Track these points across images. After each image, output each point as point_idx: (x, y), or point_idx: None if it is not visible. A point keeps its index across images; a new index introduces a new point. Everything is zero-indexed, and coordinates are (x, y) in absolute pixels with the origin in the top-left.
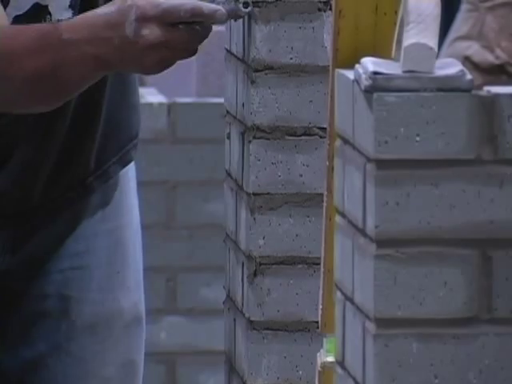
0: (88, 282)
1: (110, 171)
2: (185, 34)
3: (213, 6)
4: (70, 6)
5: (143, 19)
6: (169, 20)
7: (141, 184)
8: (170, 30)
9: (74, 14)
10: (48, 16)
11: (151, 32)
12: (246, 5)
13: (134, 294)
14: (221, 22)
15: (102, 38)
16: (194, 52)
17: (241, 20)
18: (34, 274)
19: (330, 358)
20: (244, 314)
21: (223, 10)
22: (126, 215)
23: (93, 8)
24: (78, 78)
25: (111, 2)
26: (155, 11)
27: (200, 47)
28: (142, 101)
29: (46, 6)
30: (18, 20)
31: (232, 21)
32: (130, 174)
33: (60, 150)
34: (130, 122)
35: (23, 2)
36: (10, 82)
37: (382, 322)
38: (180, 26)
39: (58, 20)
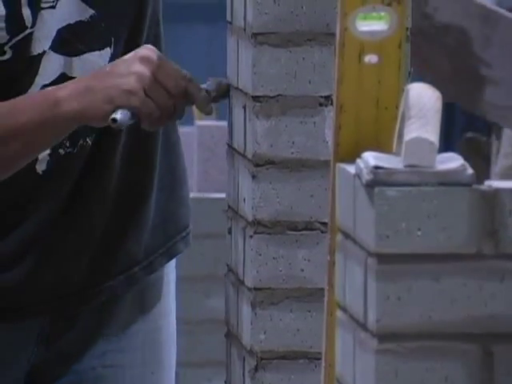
0: (121, 381)
1: (156, 263)
2: (175, 75)
3: (203, 94)
4: None
5: (141, 60)
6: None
7: None
8: (164, 62)
9: None
10: None
11: (140, 67)
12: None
13: None
14: (202, 103)
15: (103, 75)
16: (171, 113)
17: (241, 115)
18: (65, 370)
19: None
20: None
21: (206, 95)
22: (165, 318)
23: None
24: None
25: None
26: (159, 56)
27: (200, 135)
28: None
29: (73, 78)
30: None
31: (233, 115)
32: (171, 277)
33: (102, 236)
34: (178, 214)
35: (51, 71)
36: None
37: None
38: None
39: None
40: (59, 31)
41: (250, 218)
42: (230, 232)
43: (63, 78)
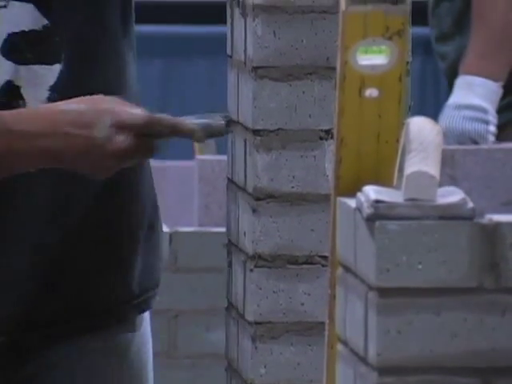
0: None
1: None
2: (151, 146)
3: (190, 124)
4: (50, 89)
5: (120, 126)
6: (146, 132)
7: None
8: (141, 141)
9: (50, 100)
10: (21, 101)
11: (125, 140)
12: (225, 129)
13: None
14: (196, 141)
15: (66, 134)
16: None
17: (242, 149)
18: None
19: None
20: None
21: (200, 133)
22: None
23: (80, 91)
24: (20, 170)
25: (78, 99)
26: (134, 121)
27: (201, 169)
28: None
29: (19, 87)
30: None
31: (233, 149)
32: (147, 347)
33: (81, 269)
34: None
35: None
36: None
37: None
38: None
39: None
40: (11, 36)
41: (251, 252)
42: (230, 266)
43: (9, 85)
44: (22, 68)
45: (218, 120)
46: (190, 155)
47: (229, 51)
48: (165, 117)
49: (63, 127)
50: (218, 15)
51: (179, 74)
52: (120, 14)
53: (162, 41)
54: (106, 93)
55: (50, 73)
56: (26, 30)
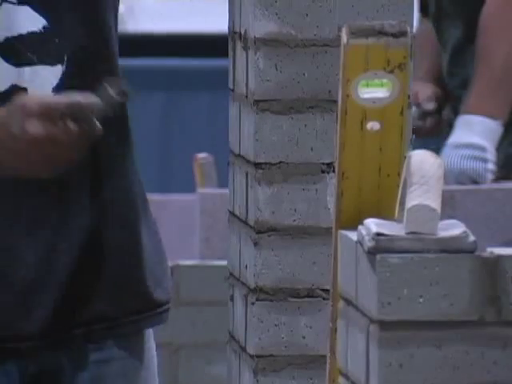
0: None
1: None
2: (68, 129)
3: (92, 98)
4: (54, 90)
5: (27, 115)
6: (51, 115)
7: None
8: (53, 126)
9: None
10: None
11: (34, 127)
12: (121, 95)
13: None
14: (98, 109)
15: None
16: (82, 151)
17: (244, 182)
18: None
19: None
20: None
21: (97, 100)
22: None
23: (81, 88)
24: None
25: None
26: (38, 107)
27: (202, 201)
28: None
29: (25, 89)
30: None
31: (234, 182)
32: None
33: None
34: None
35: (1, 82)
36: None
37: None
38: (66, 122)
39: None
40: (9, 40)
41: (252, 285)
42: (231, 299)
43: (15, 88)
44: (26, 70)
45: (109, 90)
46: (191, 188)
47: (230, 84)
48: (65, 96)
49: None
50: (219, 48)
51: (181, 107)
52: (114, 14)
53: (164, 74)
54: None
55: (53, 73)
56: (25, 31)
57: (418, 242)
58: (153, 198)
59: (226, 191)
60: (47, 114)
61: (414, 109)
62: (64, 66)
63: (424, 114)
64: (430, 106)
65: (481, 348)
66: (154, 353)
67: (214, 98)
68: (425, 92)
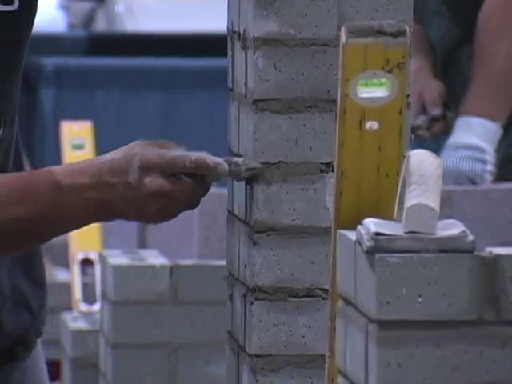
0: None
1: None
2: (187, 186)
3: (216, 159)
4: None
5: (146, 168)
6: (172, 170)
7: (142, 346)
8: (173, 181)
9: None
10: None
11: (153, 180)
12: (249, 170)
13: None
14: (223, 175)
15: (108, 184)
16: (196, 204)
17: (243, 181)
18: None
19: None
20: None
21: (226, 166)
22: None
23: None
24: (74, 225)
25: (119, 149)
26: (159, 160)
27: (201, 202)
28: (145, 262)
29: None
30: None
31: (233, 182)
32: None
33: None
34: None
35: None
36: None
37: None
38: (182, 177)
39: None
40: None
41: (251, 285)
42: (230, 299)
43: None
44: None
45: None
46: None
47: (229, 84)
48: (189, 153)
49: (104, 177)
50: (218, 48)
51: (179, 107)
52: (22, 85)
53: (163, 73)
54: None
55: None
56: None
57: (417, 241)
58: None
59: (224, 191)
60: (167, 168)
61: (422, 117)
62: (1, 131)
63: (431, 120)
64: (437, 111)
65: (480, 347)
66: None
67: (213, 97)
68: (430, 92)
